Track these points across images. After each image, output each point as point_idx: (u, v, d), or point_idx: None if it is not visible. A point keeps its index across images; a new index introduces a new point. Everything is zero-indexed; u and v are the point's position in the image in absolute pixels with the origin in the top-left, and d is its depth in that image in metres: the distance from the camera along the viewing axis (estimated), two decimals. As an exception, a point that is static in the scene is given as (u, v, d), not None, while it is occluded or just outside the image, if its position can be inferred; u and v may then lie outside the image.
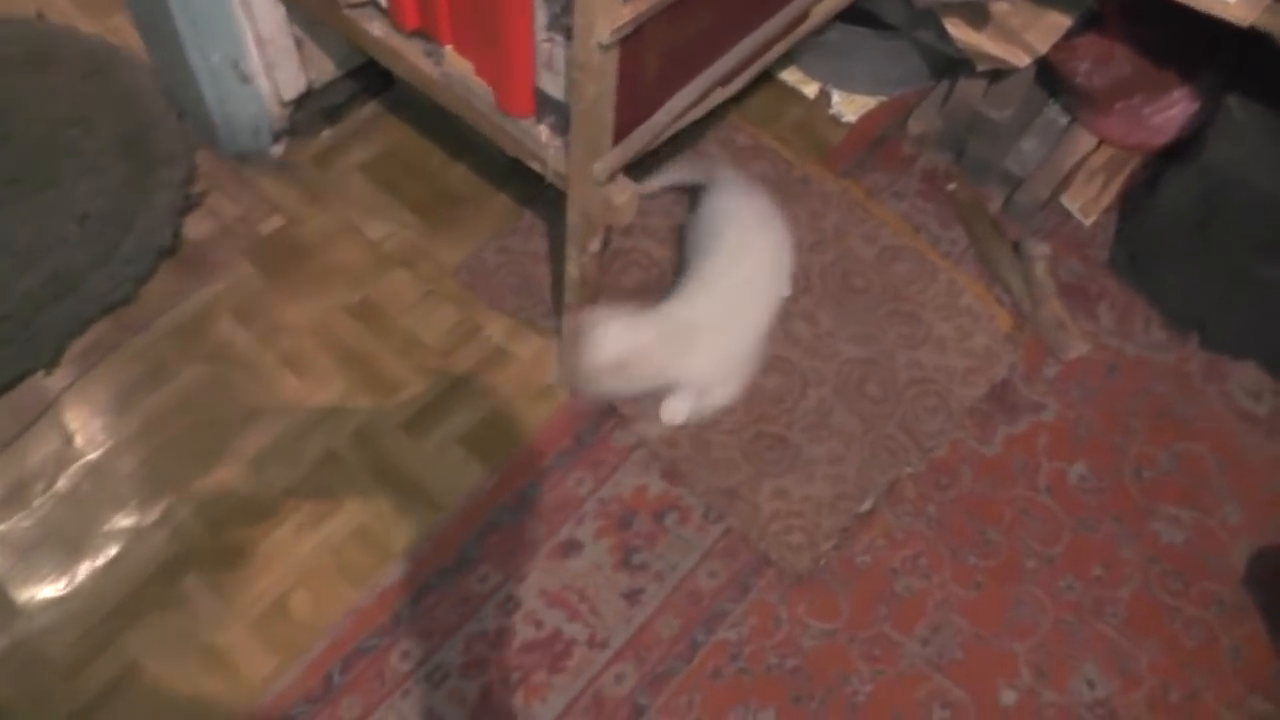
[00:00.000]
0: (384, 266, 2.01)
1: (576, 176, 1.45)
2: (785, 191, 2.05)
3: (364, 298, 1.97)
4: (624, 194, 1.50)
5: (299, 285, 1.97)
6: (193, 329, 1.94)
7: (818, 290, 1.93)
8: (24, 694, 1.60)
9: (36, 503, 1.76)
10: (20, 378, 1.91)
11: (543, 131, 1.51)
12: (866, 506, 1.71)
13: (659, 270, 1.95)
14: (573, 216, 1.54)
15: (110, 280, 1.96)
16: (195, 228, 2.10)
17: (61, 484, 1.77)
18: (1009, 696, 1.56)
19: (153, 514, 1.75)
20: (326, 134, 2.23)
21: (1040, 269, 1.95)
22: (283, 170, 2.16)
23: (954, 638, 1.60)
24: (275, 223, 2.11)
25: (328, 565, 1.68)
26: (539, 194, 2.04)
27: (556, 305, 1.88)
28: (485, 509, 1.73)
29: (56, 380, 1.91)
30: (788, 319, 1.88)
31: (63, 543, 1.72)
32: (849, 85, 2.24)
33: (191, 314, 1.96)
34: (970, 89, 2.10)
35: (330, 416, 1.84)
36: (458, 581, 1.64)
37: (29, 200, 2.06)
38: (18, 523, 1.74)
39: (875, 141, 2.21)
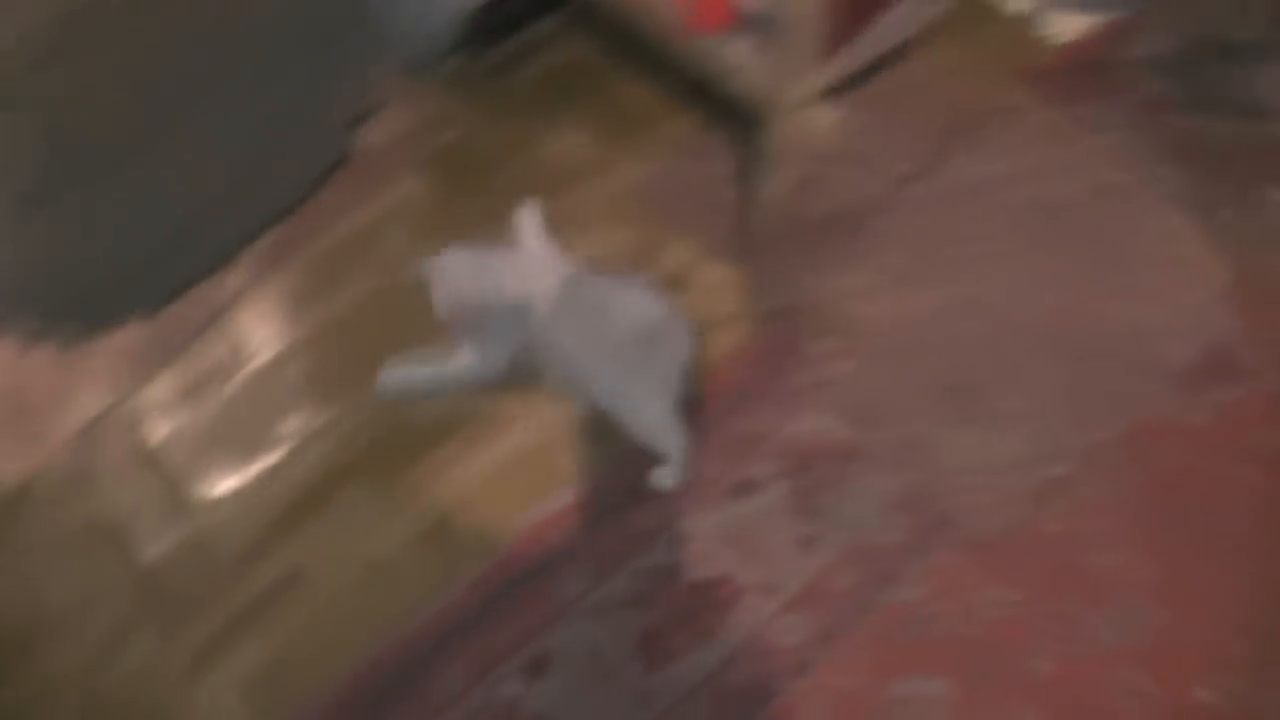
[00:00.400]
0: (560, 184, 1.93)
1: (777, 98, 1.32)
2: (986, 120, 1.87)
3: (544, 212, 1.87)
4: (828, 118, 1.36)
5: (473, 199, 1.88)
6: (365, 240, 1.91)
7: (1018, 230, 1.78)
8: (198, 588, 1.60)
9: (211, 402, 1.75)
10: (196, 280, 1.90)
11: (739, 49, 1.37)
12: (1060, 470, 1.58)
13: (850, 198, 1.80)
14: (772, 139, 1.41)
15: (285, 187, 1.92)
16: (371, 139, 2.05)
17: (234, 385, 1.76)
18: (1201, 693, 1.45)
19: (320, 421, 1.75)
20: (506, 47, 2.12)
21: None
22: (458, 82, 2.08)
23: (1145, 621, 1.51)
24: (451, 135, 2.05)
25: (497, 484, 1.65)
26: (725, 115, 1.90)
27: (741, 230, 1.76)
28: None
29: (231, 284, 1.90)
30: (983, 258, 1.73)
31: (234, 444, 1.72)
32: (1063, 1, 2.03)
33: (365, 224, 1.92)
34: (1209, 7, 1.88)
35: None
36: (630, 512, 1.59)
37: (209, 104, 2.05)
38: (193, 421, 1.72)
39: (1089, 66, 2.01)
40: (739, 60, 1.37)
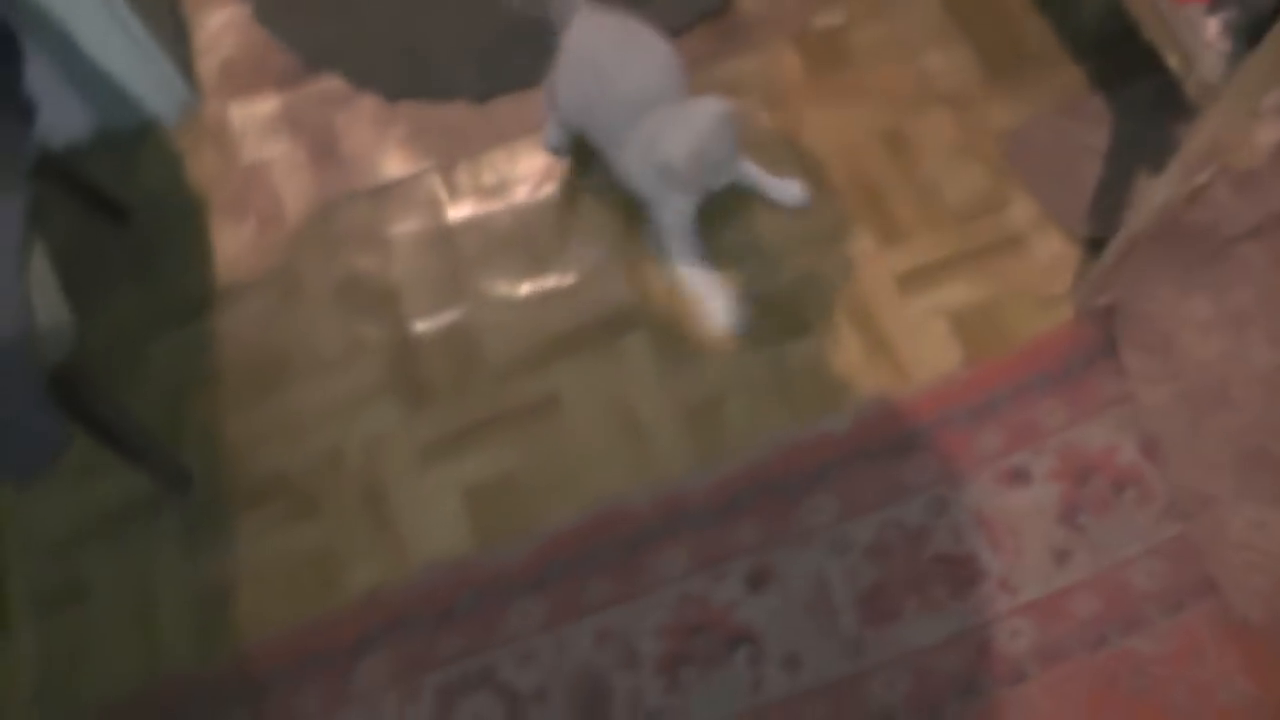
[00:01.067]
0: (929, 103, 1.85)
1: (1230, 95, 1.19)
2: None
3: (897, 127, 1.80)
4: (1272, 134, 1.23)
5: (836, 89, 1.80)
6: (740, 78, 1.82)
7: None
8: (454, 377, 1.61)
9: (518, 203, 1.75)
10: (533, 84, 1.88)
11: (1211, 26, 1.23)
12: (1346, 582, 1.47)
13: (1218, 216, 1.68)
14: (1198, 140, 1.29)
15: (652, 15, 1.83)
16: None
17: (544, 195, 1.72)
18: None
19: (622, 259, 1.72)
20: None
21: None
22: None
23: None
24: (833, 19, 1.96)
25: (772, 385, 1.61)
26: (1119, 81, 1.76)
27: (1095, 212, 1.66)
28: (949, 399, 1.62)
29: None
30: None
31: (529, 250, 1.71)
32: None
33: (716, 83, 1.82)
34: None
35: (822, 238, 1.74)
36: (895, 460, 1.54)
37: None
38: (495, 215, 1.73)
39: None
40: (1208, 38, 1.23)
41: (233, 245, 1.79)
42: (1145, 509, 1.52)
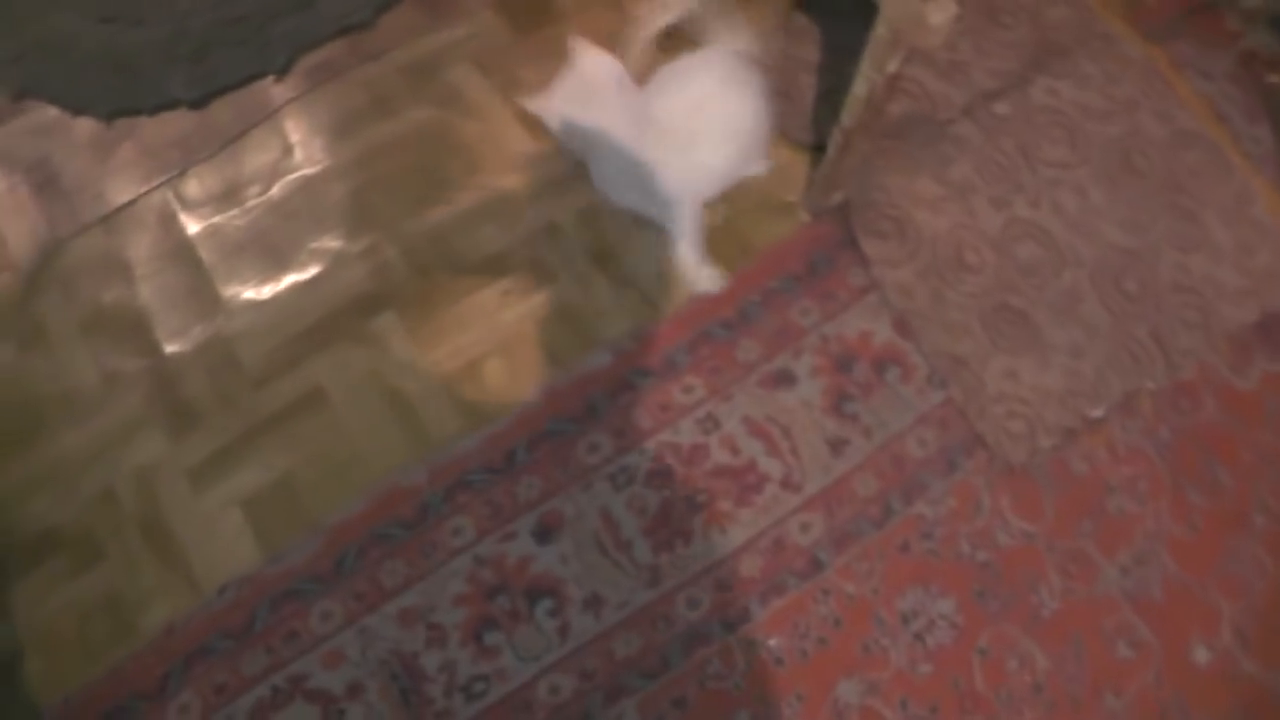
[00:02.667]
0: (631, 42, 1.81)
1: None
2: (1081, 45, 1.80)
3: None
4: (943, 13, 1.29)
5: (545, 45, 1.80)
6: (427, 69, 1.82)
7: (1095, 163, 1.73)
8: (214, 392, 1.59)
9: (250, 204, 1.70)
10: (249, 79, 1.84)
11: None
12: (1097, 413, 1.58)
13: (930, 104, 1.73)
14: (880, 29, 1.34)
15: (351, 2, 1.85)
16: None
17: (275, 192, 1.70)
18: (1202, 654, 1.47)
19: (359, 243, 1.69)
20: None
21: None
22: None
23: (1156, 575, 1.50)
24: None
25: (530, 338, 1.61)
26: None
27: (816, 120, 1.69)
28: (701, 318, 1.65)
29: (284, 90, 1.84)
30: (1055, 185, 1.68)
31: (269, 250, 1.66)
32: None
33: (429, 53, 1.83)
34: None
35: (556, 188, 1.74)
36: (660, 386, 1.57)
37: None
38: (230, 220, 1.68)
39: (1194, 6, 1.92)
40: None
41: (-38, 301, 1.70)
42: (908, 384, 1.58)
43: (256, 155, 1.77)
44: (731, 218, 1.67)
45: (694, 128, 1.60)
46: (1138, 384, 1.60)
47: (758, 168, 1.66)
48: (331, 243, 1.68)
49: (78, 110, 1.83)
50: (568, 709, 1.41)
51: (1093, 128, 1.75)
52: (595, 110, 1.60)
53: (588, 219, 1.68)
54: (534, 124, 1.75)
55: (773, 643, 1.43)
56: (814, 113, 1.73)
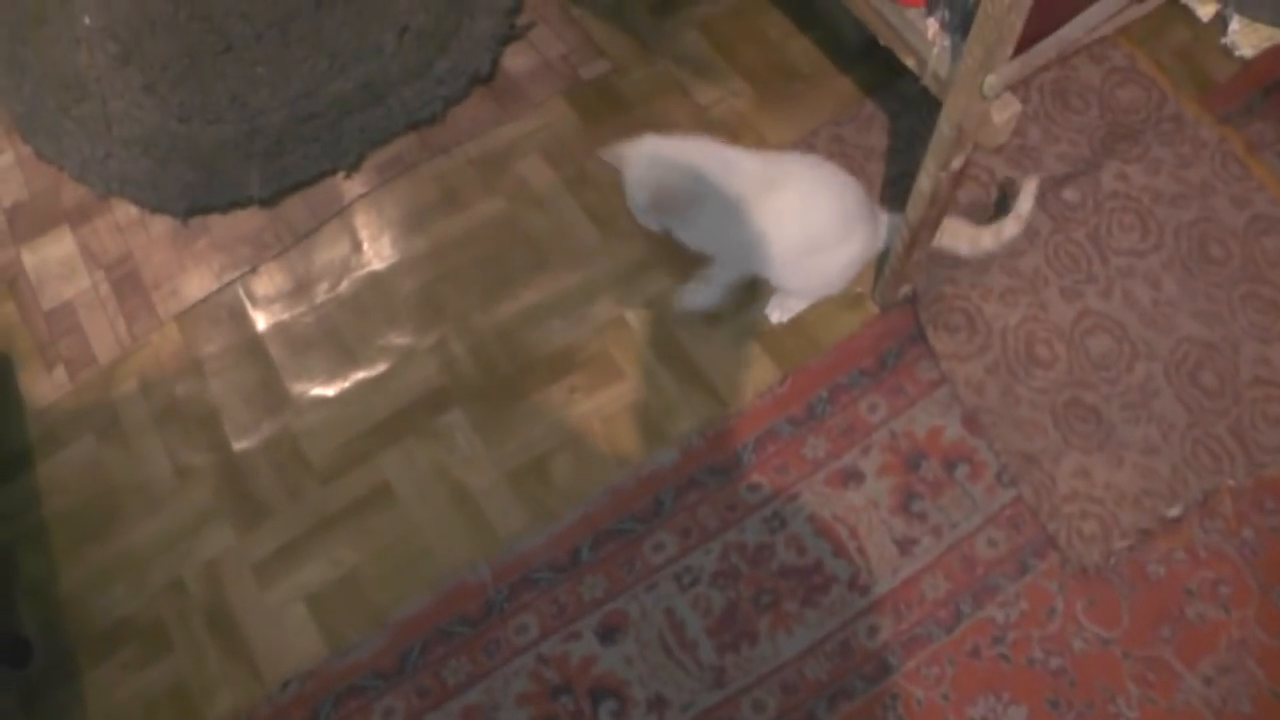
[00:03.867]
0: (708, 129, 1.84)
1: (961, 85, 1.25)
2: (1153, 128, 1.78)
3: None
4: (1007, 110, 1.28)
5: (614, 136, 1.81)
6: (496, 162, 1.84)
7: (1168, 251, 1.69)
8: (282, 487, 1.60)
9: (320, 300, 1.72)
10: (320, 176, 1.88)
11: (931, 26, 1.29)
12: (1175, 512, 1.53)
13: (998, 191, 1.72)
14: (943, 127, 1.34)
15: (420, 97, 1.89)
16: (515, 60, 1.99)
17: (344, 288, 1.73)
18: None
19: (428, 339, 1.72)
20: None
21: None
22: (615, 14, 2.00)
23: (1244, 688, 1.45)
24: (599, 68, 1.98)
25: (597, 435, 1.61)
26: (887, 84, 1.81)
27: (889, 206, 1.69)
28: (769, 414, 1.64)
29: (354, 186, 1.88)
30: (1128, 276, 1.65)
31: (338, 347, 1.68)
32: (1254, 10, 1.90)
33: (498, 146, 1.85)
34: None
35: (625, 280, 1.76)
36: (727, 485, 1.55)
37: (352, 5, 2.00)
38: (299, 317, 1.70)
39: (1271, 86, 1.88)
40: (931, 37, 1.28)
41: (45, 393, 1.76)
42: (977, 482, 1.55)
43: (326, 251, 1.80)
44: (803, 313, 1.65)
45: (814, 223, 1.58)
46: (1217, 482, 1.56)
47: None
48: (399, 339, 1.70)
49: (156, 208, 1.88)
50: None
51: (1165, 213, 1.72)
52: (688, 157, 1.56)
53: (655, 314, 1.68)
54: (602, 217, 1.76)
55: (841, 749, 1.40)
56: (882, 201, 1.72)
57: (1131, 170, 1.74)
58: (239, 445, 1.66)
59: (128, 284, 1.82)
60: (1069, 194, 1.72)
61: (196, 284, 1.81)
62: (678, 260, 1.70)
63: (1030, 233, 1.67)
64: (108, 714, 1.54)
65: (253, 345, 1.74)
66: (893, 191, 1.70)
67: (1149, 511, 1.53)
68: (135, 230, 1.88)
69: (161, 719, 1.55)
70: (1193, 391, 1.60)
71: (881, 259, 1.65)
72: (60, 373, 1.77)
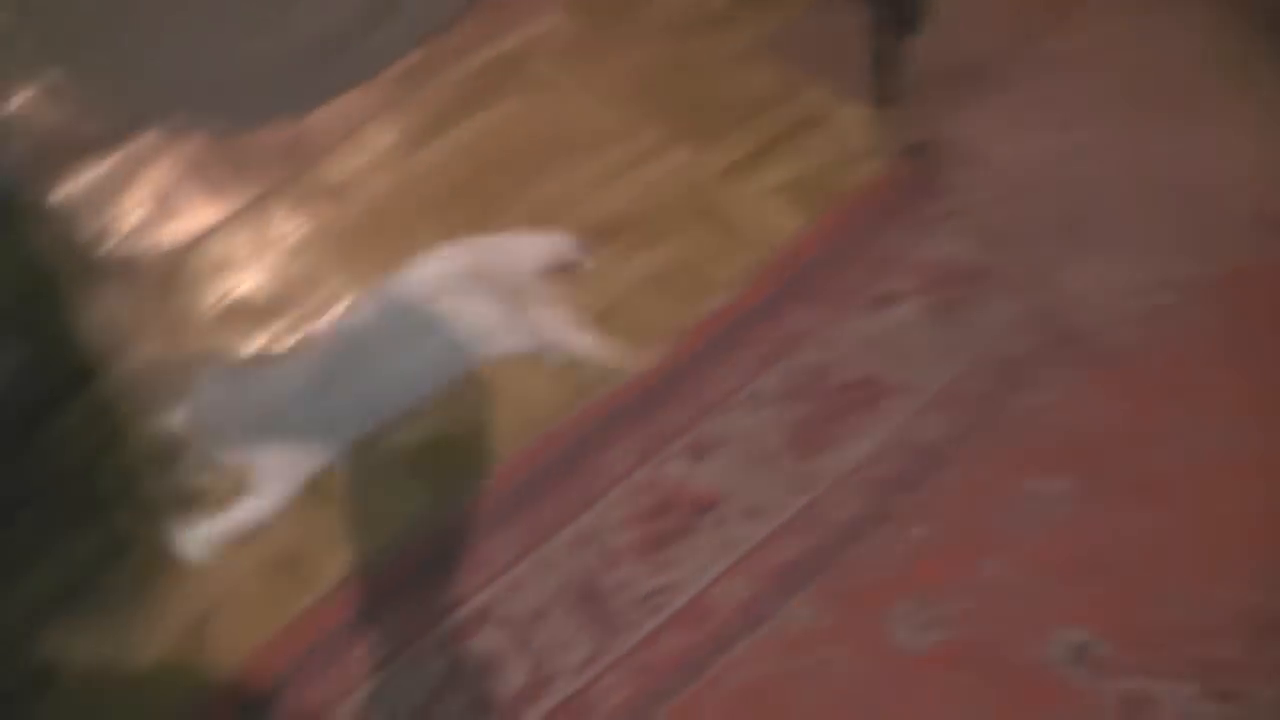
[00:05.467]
0: (707, 24, 2.06)
1: None
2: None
3: (684, 51, 2.03)
4: None
5: (620, 32, 1.98)
6: (510, 64, 2.00)
7: (1130, 90, 1.99)
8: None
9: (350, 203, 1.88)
10: (339, 91, 1.99)
11: None
12: (1167, 299, 1.74)
13: (983, 52, 1.97)
14: None
15: (432, 7, 1.99)
16: None
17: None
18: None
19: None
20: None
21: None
22: None
23: (1246, 437, 1.63)
24: None
25: (650, 292, 1.78)
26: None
27: (877, 79, 1.91)
28: (803, 255, 1.81)
29: (372, 98, 1.98)
30: (1096, 113, 1.93)
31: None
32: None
33: (510, 50, 2.02)
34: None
35: (649, 157, 1.90)
36: (780, 317, 1.70)
37: None
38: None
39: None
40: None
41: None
42: (999, 294, 1.74)
43: (348, 161, 1.92)
44: (814, 166, 1.84)
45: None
46: (1196, 270, 1.78)
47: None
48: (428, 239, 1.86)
49: (193, 126, 1.95)
50: (748, 611, 1.53)
51: (1122, 57, 1.96)
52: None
53: (684, 181, 1.89)
54: (620, 105, 1.94)
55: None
56: (874, 74, 1.91)
57: (1093, 23, 1.98)
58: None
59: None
60: (1036, 48, 1.97)
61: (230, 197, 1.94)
62: (695, 136, 1.89)
63: (1007, 81, 1.92)
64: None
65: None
66: (881, 64, 1.90)
67: (1147, 300, 1.73)
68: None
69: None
70: (1172, 198, 1.83)
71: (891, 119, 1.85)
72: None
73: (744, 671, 1.48)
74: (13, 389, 1.58)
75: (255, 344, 1.76)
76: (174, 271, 1.85)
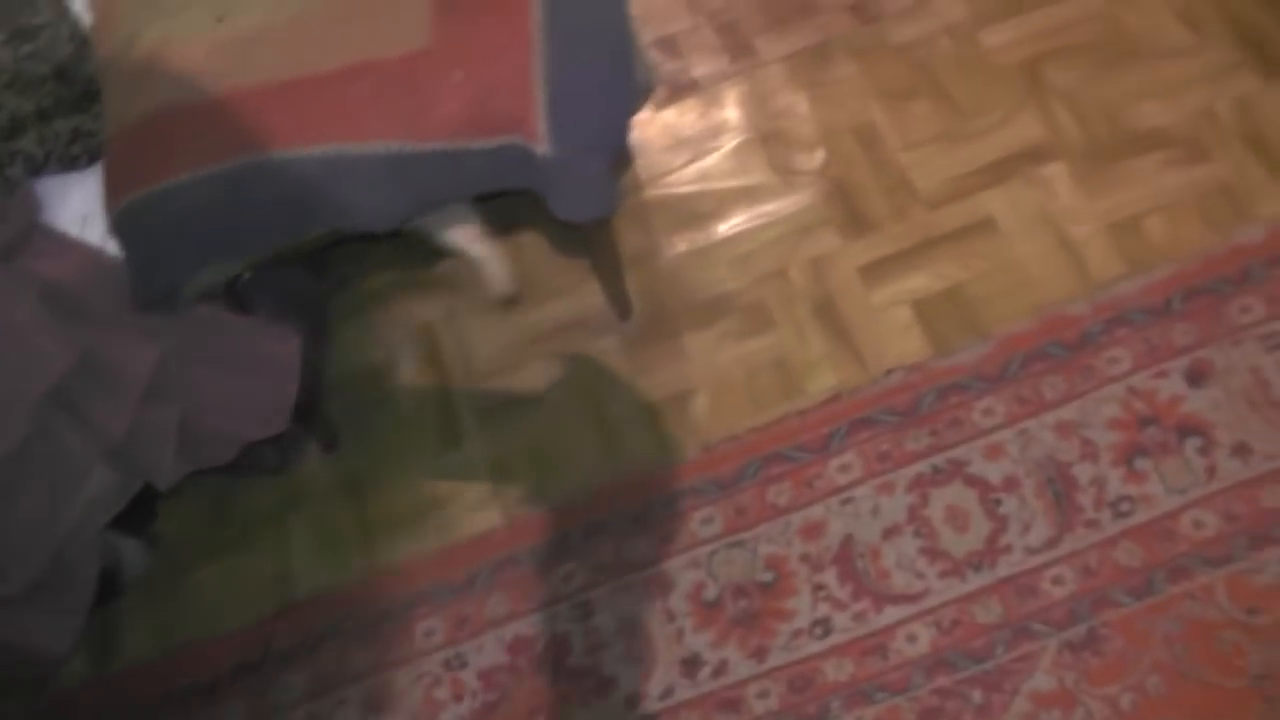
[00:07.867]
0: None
1: None
2: None
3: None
4: None
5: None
6: None
7: None
8: (889, 207, 1.87)
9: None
10: None
11: None
12: None
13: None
14: None
15: None
16: None
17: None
18: None
19: (1032, 107, 1.88)
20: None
21: None
22: None
23: None
24: None
25: (1186, 205, 1.78)
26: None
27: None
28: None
29: None
30: None
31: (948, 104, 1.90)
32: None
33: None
34: None
35: (1216, 74, 1.85)
36: None
37: None
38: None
39: None
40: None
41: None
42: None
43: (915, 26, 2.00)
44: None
45: None
46: None
47: None
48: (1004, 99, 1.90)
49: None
50: (1211, 546, 1.55)
51: None
52: None
53: (1244, 108, 1.84)
54: (1196, 21, 1.88)
55: None
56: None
57: None
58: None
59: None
60: None
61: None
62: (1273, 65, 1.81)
63: None
64: (707, 372, 1.81)
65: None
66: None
67: None
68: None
69: (762, 383, 1.75)
70: None
71: None
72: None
73: (1194, 606, 1.52)
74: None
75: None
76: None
